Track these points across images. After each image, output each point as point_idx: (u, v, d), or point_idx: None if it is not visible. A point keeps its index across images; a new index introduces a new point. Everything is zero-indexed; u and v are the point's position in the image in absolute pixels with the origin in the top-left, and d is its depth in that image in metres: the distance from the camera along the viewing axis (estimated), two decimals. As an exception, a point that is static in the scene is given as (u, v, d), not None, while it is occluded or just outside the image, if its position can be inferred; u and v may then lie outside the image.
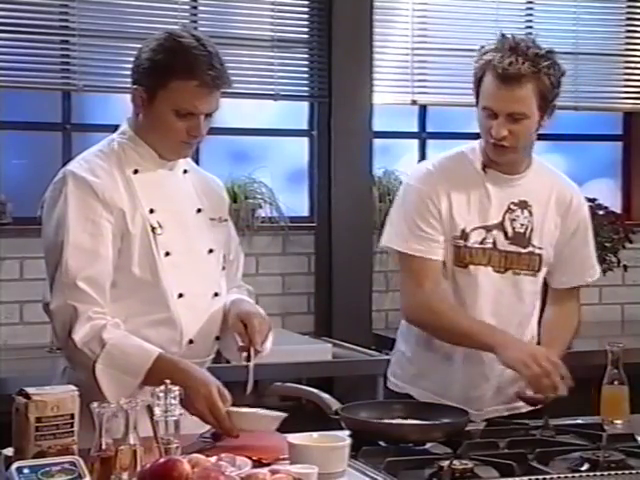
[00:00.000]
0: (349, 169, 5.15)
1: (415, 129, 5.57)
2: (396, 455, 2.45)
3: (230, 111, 5.03)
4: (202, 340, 2.78)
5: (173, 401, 2.21)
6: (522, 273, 3.06)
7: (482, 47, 3.00)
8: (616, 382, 2.87)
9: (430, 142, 5.47)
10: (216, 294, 2.81)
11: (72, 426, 2.23)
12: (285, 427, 2.55)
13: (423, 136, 5.54)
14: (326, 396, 2.79)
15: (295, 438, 2.35)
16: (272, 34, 5.12)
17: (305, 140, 5.31)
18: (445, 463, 2.33)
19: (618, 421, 2.85)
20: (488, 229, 3.04)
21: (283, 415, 2.54)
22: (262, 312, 2.81)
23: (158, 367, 2.55)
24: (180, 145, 2.74)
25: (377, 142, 5.29)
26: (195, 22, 5.00)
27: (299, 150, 5.32)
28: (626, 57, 5.75)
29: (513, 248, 3.04)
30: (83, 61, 4.79)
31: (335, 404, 2.73)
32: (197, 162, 4.58)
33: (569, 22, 5.61)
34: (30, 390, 2.22)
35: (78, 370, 2.64)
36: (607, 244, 5.04)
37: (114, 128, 2.84)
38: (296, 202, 5.26)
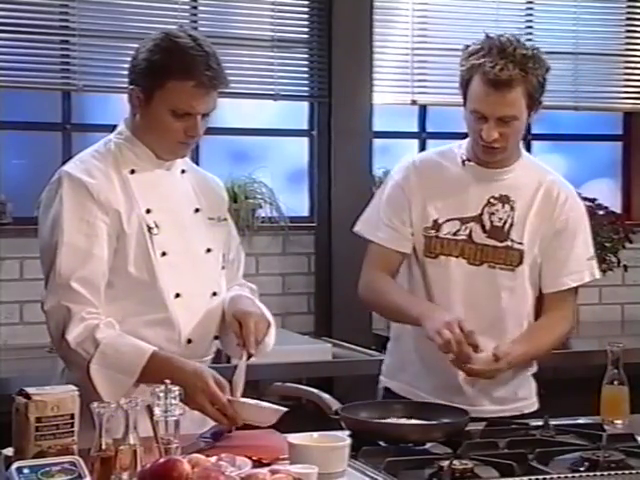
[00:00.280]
0: (349, 169, 5.15)
1: (415, 129, 5.57)
2: (396, 455, 2.44)
3: (230, 111, 5.04)
4: (201, 340, 2.78)
5: (173, 401, 2.21)
6: (497, 267, 3.04)
7: (467, 47, 2.99)
8: (616, 382, 2.87)
9: (430, 142, 5.47)
10: (214, 294, 2.81)
11: (72, 426, 2.23)
12: (285, 427, 2.55)
13: (423, 136, 5.55)
14: (326, 396, 2.80)
15: (295, 438, 2.35)
16: (272, 34, 5.12)
17: (305, 140, 5.32)
18: (445, 463, 2.33)
19: (618, 421, 2.85)
20: (464, 221, 3.04)
21: (283, 409, 2.54)
22: (262, 309, 2.80)
23: (153, 365, 2.55)
24: (177, 145, 2.74)
25: (377, 142, 5.30)
26: (195, 22, 5.00)
27: (299, 150, 5.32)
28: (626, 57, 5.75)
29: (490, 241, 3.04)
30: (83, 61, 4.80)
31: (335, 404, 2.73)
32: (197, 162, 4.60)
33: (569, 22, 5.61)
34: (30, 390, 2.22)
35: (73, 370, 2.64)
36: (607, 244, 5.04)
37: (114, 128, 2.84)
38: (296, 202, 5.26)
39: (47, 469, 2.09)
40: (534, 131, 5.67)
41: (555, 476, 2.32)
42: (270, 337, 2.79)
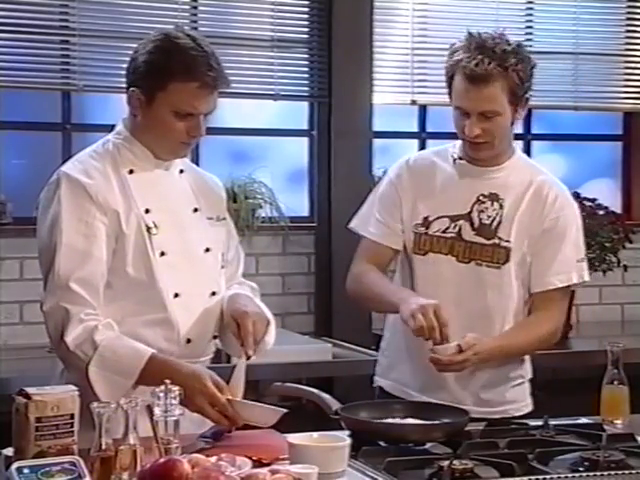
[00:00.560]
0: (349, 169, 5.15)
1: (415, 129, 5.57)
2: (396, 455, 2.45)
3: (230, 111, 5.04)
4: (200, 339, 2.78)
5: (173, 401, 2.21)
6: (484, 264, 3.04)
7: (452, 45, 3.03)
8: (616, 382, 2.87)
9: (430, 142, 5.47)
10: (214, 293, 2.81)
11: (72, 426, 2.23)
12: (285, 427, 2.55)
13: (423, 136, 5.55)
14: (326, 396, 2.80)
15: (295, 438, 2.35)
16: (272, 34, 5.12)
17: (305, 140, 5.32)
18: (445, 463, 2.33)
19: (618, 421, 2.85)
20: (454, 219, 3.05)
21: (283, 410, 2.54)
22: (261, 307, 2.80)
23: (151, 368, 2.55)
24: (179, 145, 2.75)
25: (377, 142, 5.30)
26: (195, 22, 5.00)
27: (299, 150, 5.32)
28: (626, 57, 5.75)
29: (478, 239, 3.04)
30: (83, 61, 4.80)
31: (335, 404, 2.73)
32: (197, 162, 4.60)
33: (569, 22, 5.61)
34: (30, 390, 2.22)
35: (71, 371, 2.64)
36: (607, 244, 5.04)
37: (113, 128, 2.84)
38: (296, 202, 5.26)
39: (47, 469, 2.09)
40: (534, 131, 5.68)
41: (555, 476, 2.32)
42: (270, 335, 2.79)
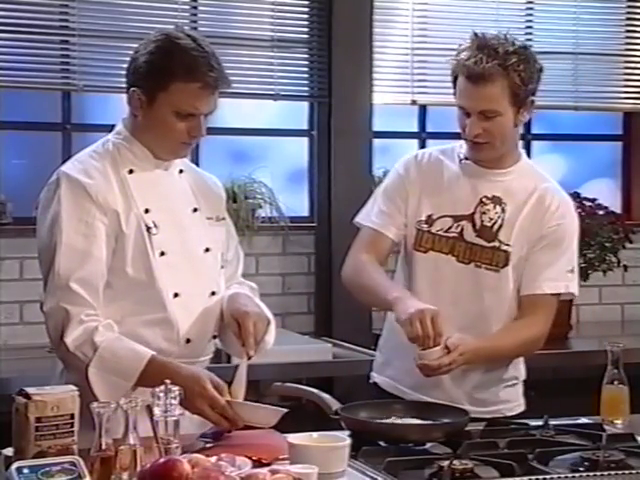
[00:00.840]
0: (349, 169, 5.15)
1: (415, 129, 5.57)
2: (396, 455, 2.45)
3: (230, 111, 5.04)
4: (199, 339, 2.78)
5: (173, 401, 2.21)
6: (483, 267, 3.04)
7: (459, 46, 3.02)
8: (616, 382, 2.87)
9: (430, 142, 5.47)
10: (213, 293, 2.81)
11: (72, 426, 2.23)
12: (285, 427, 2.55)
13: (423, 136, 5.55)
14: (326, 396, 2.79)
15: (295, 438, 2.35)
16: (272, 34, 5.12)
17: (305, 140, 5.31)
18: (445, 463, 2.33)
19: (618, 421, 2.85)
20: (457, 219, 3.05)
21: (283, 410, 2.54)
22: (261, 306, 2.80)
23: (150, 370, 2.55)
24: (180, 146, 2.75)
25: (377, 142, 5.29)
26: (195, 22, 5.00)
27: (299, 150, 5.32)
28: (626, 57, 5.75)
29: (478, 241, 3.04)
30: (83, 61, 4.79)
31: (335, 404, 2.73)
32: (197, 162, 4.60)
33: (569, 22, 5.60)
34: (30, 390, 2.22)
35: (71, 372, 2.64)
36: (607, 244, 5.04)
37: (113, 128, 2.84)
38: (296, 202, 5.26)
39: (47, 469, 2.09)
40: (534, 131, 5.68)
41: (555, 476, 2.32)
42: (270, 335, 2.79)
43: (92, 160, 2.73)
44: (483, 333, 3.01)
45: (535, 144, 5.70)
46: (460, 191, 3.07)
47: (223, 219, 2.92)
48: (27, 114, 4.87)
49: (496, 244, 3.04)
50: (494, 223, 3.05)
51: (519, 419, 2.94)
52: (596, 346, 4.67)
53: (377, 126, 5.27)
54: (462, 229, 3.05)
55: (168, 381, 2.23)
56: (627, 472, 2.38)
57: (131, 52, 2.77)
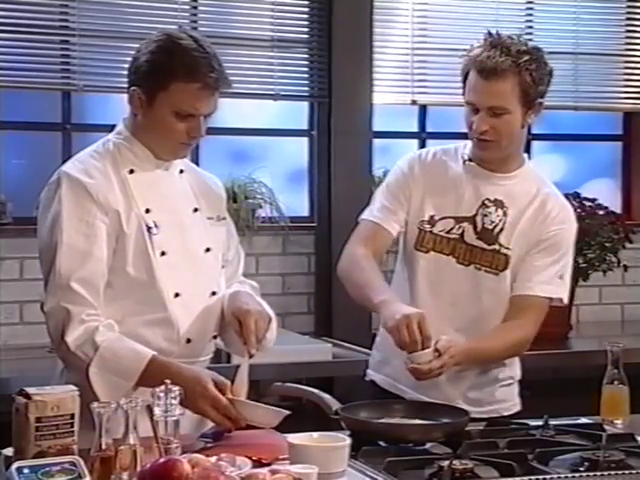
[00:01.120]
0: (349, 169, 5.15)
1: (415, 129, 5.57)
2: (396, 455, 2.45)
3: (230, 111, 5.04)
4: (200, 339, 2.78)
5: (173, 401, 2.21)
6: (483, 269, 3.04)
7: (471, 45, 3.02)
8: (616, 382, 2.87)
9: (430, 142, 5.47)
10: (214, 293, 2.81)
11: (72, 426, 2.23)
12: (285, 427, 2.55)
13: (423, 136, 5.55)
14: (326, 396, 2.79)
15: (295, 438, 2.35)
16: (272, 34, 5.12)
17: (305, 140, 5.32)
18: (445, 463, 2.33)
19: (618, 421, 2.85)
20: (458, 220, 3.05)
21: (286, 412, 2.54)
22: (262, 304, 2.80)
23: (151, 370, 2.55)
24: (179, 146, 2.75)
25: (377, 142, 5.29)
26: (195, 22, 5.00)
27: (299, 150, 5.32)
28: (626, 57, 5.75)
29: (479, 243, 3.04)
30: (83, 61, 4.79)
31: (335, 404, 2.73)
32: (197, 162, 4.60)
33: (569, 22, 5.61)
34: (30, 390, 2.22)
35: (72, 372, 2.64)
36: (607, 244, 5.04)
37: (113, 128, 2.84)
38: (296, 202, 5.26)
39: (47, 469, 2.09)
40: (534, 131, 5.67)
41: (555, 476, 2.32)
42: (271, 332, 2.79)
43: (93, 160, 2.73)
44: (479, 334, 3.01)
45: (535, 144, 5.70)
46: (463, 192, 3.07)
47: (224, 219, 2.92)
48: (27, 114, 4.88)
49: (496, 247, 3.04)
50: (495, 226, 3.05)
51: (518, 419, 2.94)
52: (596, 346, 4.67)
53: (377, 126, 5.27)
54: (463, 231, 3.05)
55: (168, 381, 2.23)
56: (627, 472, 2.38)
57: (131, 52, 2.77)
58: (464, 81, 3.01)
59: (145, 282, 2.68)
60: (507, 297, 3.06)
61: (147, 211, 2.71)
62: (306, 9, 5.18)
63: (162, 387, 2.21)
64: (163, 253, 2.71)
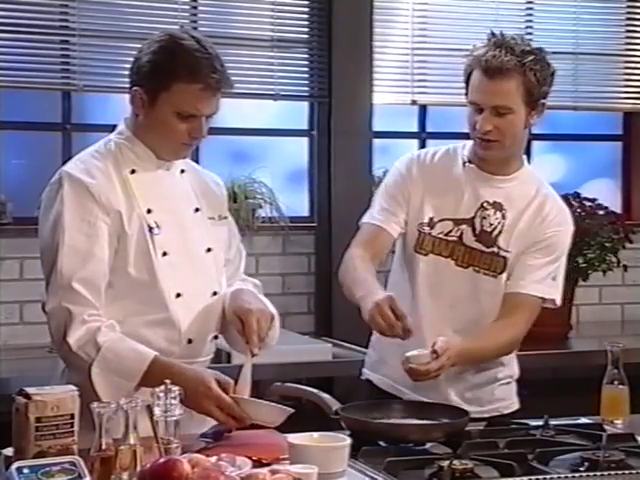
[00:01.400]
0: (349, 169, 5.15)
1: (415, 129, 5.57)
2: (396, 455, 2.45)
3: (230, 111, 5.03)
4: (201, 339, 2.78)
5: (173, 401, 2.21)
6: (482, 272, 3.04)
7: (474, 46, 3.02)
8: (616, 382, 2.87)
9: (430, 142, 5.47)
10: (215, 293, 2.81)
11: (72, 426, 2.23)
12: (285, 427, 2.55)
13: (423, 136, 5.55)
14: (326, 396, 2.79)
15: (295, 438, 2.35)
16: (272, 34, 5.12)
17: (305, 140, 5.31)
18: (445, 463, 2.33)
19: (618, 421, 2.85)
20: (457, 222, 3.05)
21: (290, 410, 2.54)
22: (264, 302, 2.81)
23: (153, 370, 2.55)
24: (180, 146, 2.75)
25: (377, 142, 5.29)
26: (195, 22, 5.00)
27: (299, 150, 5.32)
28: (626, 57, 5.75)
29: (477, 245, 3.05)
30: (83, 61, 4.79)
31: (335, 404, 2.73)
32: (197, 162, 4.57)
33: (569, 22, 5.61)
34: (30, 390, 2.22)
35: (74, 372, 2.64)
36: (607, 244, 5.03)
37: (114, 128, 2.84)
38: (296, 202, 5.26)
39: (47, 469, 2.09)
40: (534, 131, 5.66)
41: (555, 476, 2.32)
42: (274, 330, 2.79)
43: (94, 160, 2.73)
44: (474, 335, 3.01)
45: (535, 144, 5.69)
46: (462, 195, 3.06)
47: (225, 218, 2.93)
48: (27, 114, 4.87)
49: (495, 249, 3.05)
50: (494, 229, 3.05)
51: (518, 418, 2.94)
52: (596, 346, 4.67)
53: (377, 126, 5.27)
54: (462, 233, 3.05)
55: (168, 381, 2.23)
56: (627, 472, 2.39)
57: (131, 52, 2.77)
58: (467, 81, 3.01)
59: (146, 282, 2.68)
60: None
61: (149, 211, 2.71)
62: (306, 9, 5.18)
63: (162, 387, 2.22)
64: (164, 253, 2.71)
